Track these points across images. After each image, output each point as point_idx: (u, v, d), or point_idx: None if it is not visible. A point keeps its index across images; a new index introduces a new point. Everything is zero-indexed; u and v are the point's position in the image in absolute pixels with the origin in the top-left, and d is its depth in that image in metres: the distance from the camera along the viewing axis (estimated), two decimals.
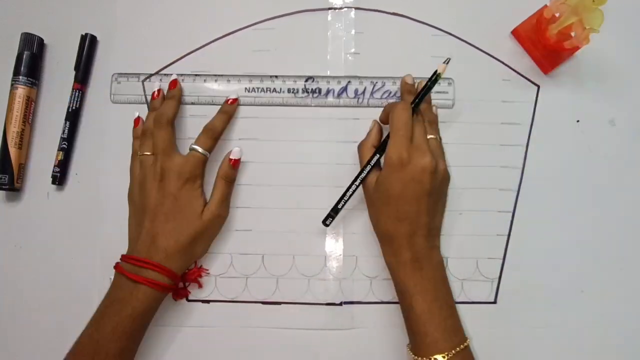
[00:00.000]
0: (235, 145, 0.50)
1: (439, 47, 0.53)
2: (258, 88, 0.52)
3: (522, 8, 0.52)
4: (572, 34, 0.48)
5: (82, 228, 0.51)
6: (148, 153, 0.48)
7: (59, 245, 0.51)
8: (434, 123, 0.50)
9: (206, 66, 0.53)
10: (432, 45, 0.53)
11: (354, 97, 0.52)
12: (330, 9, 0.53)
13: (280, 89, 0.52)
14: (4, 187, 0.50)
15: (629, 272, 0.51)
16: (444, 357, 0.41)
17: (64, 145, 0.51)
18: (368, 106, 0.52)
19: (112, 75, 0.53)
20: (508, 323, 0.50)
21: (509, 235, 0.51)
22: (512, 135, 0.52)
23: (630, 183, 0.52)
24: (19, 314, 0.50)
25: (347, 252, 0.51)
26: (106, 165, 0.52)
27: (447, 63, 0.47)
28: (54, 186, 0.52)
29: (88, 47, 0.53)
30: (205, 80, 0.52)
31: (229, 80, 0.52)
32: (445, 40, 0.53)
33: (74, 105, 0.52)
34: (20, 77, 0.51)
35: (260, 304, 0.50)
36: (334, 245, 0.51)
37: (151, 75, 0.53)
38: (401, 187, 0.44)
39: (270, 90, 0.52)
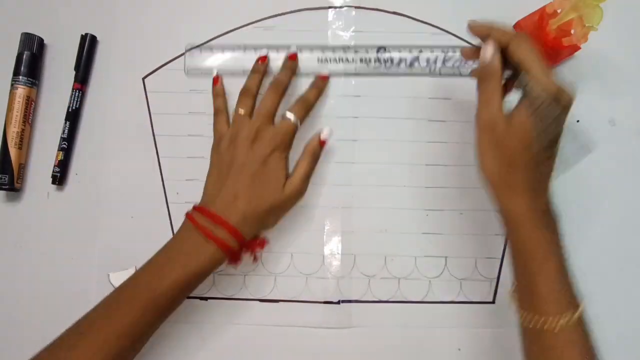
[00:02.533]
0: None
1: (439, 46, 0.52)
2: (331, 58, 0.52)
3: (524, 4, 0.52)
4: (572, 31, 0.48)
5: (82, 228, 0.51)
6: (243, 112, 0.47)
7: (59, 245, 0.51)
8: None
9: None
10: (432, 44, 0.52)
11: (426, 66, 0.52)
12: (330, 7, 0.53)
13: (353, 59, 0.52)
14: (4, 187, 0.50)
15: (630, 273, 0.51)
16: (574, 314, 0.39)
17: (64, 145, 0.51)
18: (440, 75, 0.52)
19: (185, 47, 0.53)
20: (507, 323, 0.50)
21: None
22: None
23: (630, 183, 0.52)
24: (19, 314, 0.50)
25: (345, 251, 0.51)
26: (106, 165, 0.52)
27: None
28: (54, 186, 0.52)
29: (88, 47, 0.53)
30: (277, 50, 0.51)
31: (300, 51, 0.51)
32: (445, 39, 0.53)
33: (74, 105, 0.52)
34: (20, 77, 0.51)
35: (258, 302, 0.50)
36: (332, 244, 0.51)
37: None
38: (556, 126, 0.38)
39: (342, 60, 0.52)
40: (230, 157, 0.45)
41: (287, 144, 0.46)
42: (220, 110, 0.49)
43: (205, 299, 0.50)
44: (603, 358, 0.49)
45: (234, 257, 0.45)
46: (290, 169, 0.47)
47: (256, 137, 0.45)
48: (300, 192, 0.47)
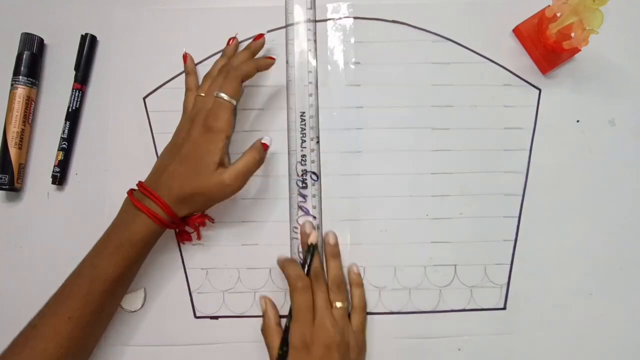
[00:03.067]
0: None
1: (440, 54, 0.53)
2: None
3: (524, 9, 0.52)
4: (572, 34, 0.48)
5: (82, 228, 0.51)
6: (203, 95, 0.47)
7: (59, 245, 0.51)
8: (341, 284, 0.48)
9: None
10: (433, 52, 0.53)
11: None
12: (329, 19, 0.53)
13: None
14: (4, 187, 0.50)
15: (630, 273, 0.51)
16: None
17: (64, 145, 0.51)
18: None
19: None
20: (518, 329, 0.50)
21: (515, 240, 0.51)
22: (515, 139, 0.52)
23: (630, 183, 0.52)
24: (19, 314, 0.50)
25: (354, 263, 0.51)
26: (106, 165, 0.52)
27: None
28: (54, 186, 0.52)
29: (88, 47, 0.53)
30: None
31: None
32: (446, 46, 0.53)
33: (74, 105, 0.52)
34: (20, 77, 0.51)
35: None
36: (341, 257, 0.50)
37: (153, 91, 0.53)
38: None
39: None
40: (176, 136, 0.47)
41: (223, 126, 0.44)
42: (189, 88, 0.51)
43: (216, 317, 0.50)
44: (603, 358, 0.50)
45: (178, 233, 0.50)
46: None
47: (192, 119, 0.46)
48: (230, 186, 0.45)
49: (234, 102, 0.45)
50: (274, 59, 0.49)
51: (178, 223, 0.46)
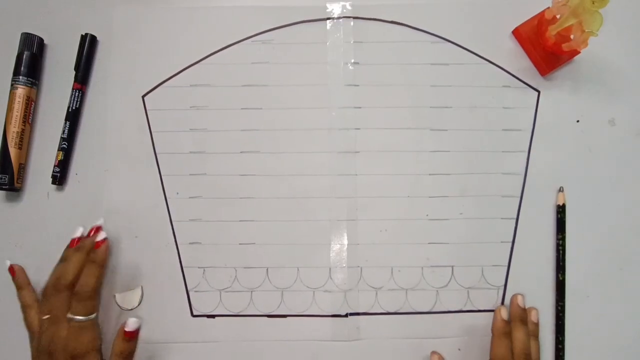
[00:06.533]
0: (235, 159, 0.50)
1: (439, 55, 0.53)
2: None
3: (523, 10, 0.52)
4: (571, 36, 0.48)
5: None
6: (48, 317, 0.42)
7: (59, 245, 0.51)
8: (534, 335, 0.48)
9: (205, 78, 0.53)
10: (432, 53, 0.53)
11: None
12: (328, 19, 0.53)
13: None
14: (4, 187, 0.50)
15: (630, 273, 0.51)
16: None
17: (64, 145, 0.51)
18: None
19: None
20: None
21: (513, 242, 0.51)
22: (514, 141, 0.52)
23: (630, 183, 0.52)
24: (19, 314, 0.50)
25: (351, 263, 0.51)
26: (106, 165, 0.52)
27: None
28: (54, 186, 0.52)
29: (88, 47, 0.53)
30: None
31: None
32: (445, 47, 0.53)
33: (74, 105, 0.52)
34: (20, 77, 0.51)
35: (266, 317, 0.50)
36: (338, 257, 0.51)
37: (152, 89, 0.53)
38: None
39: None
40: None
41: (85, 348, 0.41)
42: (26, 304, 0.45)
43: (213, 316, 0.50)
44: (604, 358, 0.50)
45: None
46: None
47: (50, 351, 0.41)
48: None
49: (93, 316, 0.42)
50: (104, 241, 0.44)
51: None
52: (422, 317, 0.50)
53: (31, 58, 0.52)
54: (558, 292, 0.50)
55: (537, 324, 0.48)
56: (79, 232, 0.47)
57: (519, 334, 0.45)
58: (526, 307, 0.48)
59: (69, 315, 0.41)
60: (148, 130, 0.52)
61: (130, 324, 0.42)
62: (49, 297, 0.43)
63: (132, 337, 0.42)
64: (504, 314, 0.47)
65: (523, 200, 0.51)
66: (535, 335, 0.47)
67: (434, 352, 0.48)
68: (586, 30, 0.46)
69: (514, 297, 0.49)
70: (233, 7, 0.54)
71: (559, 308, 0.50)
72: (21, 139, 0.51)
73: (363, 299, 0.50)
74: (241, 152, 0.52)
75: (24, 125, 0.51)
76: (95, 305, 0.42)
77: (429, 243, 0.51)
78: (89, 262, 0.44)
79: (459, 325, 0.50)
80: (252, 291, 0.50)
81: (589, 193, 0.52)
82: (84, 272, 0.43)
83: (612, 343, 0.50)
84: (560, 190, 0.51)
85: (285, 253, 0.51)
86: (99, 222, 0.47)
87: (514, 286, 0.50)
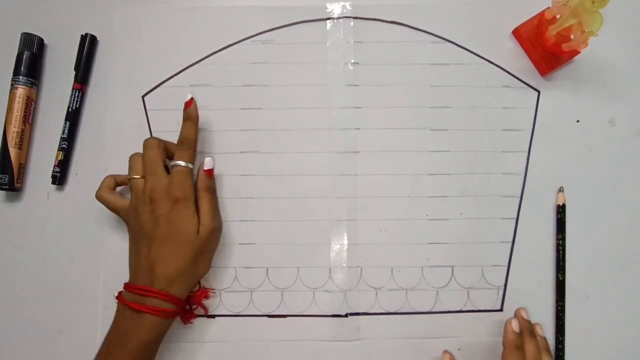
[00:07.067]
0: (235, 159, 0.51)
1: (439, 55, 0.53)
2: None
3: (523, 10, 0.52)
4: (571, 36, 0.48)
5: (82, 228, 0.51)
6: (137, 176, 0.46)
7: (59, 245, 0.51)
8: (545, 349, 0.47)
9: (205, 78, 0.53)
10: (432, 53, 0.53)
11: None
12: (328, 19, 0.53)
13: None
14: (4, 187, 0.50)
15: (630, 273, 0.51)
16: None
17: (64, 145, 0.51)
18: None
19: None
20: None
21: (513, 242, 0.51)
22: (514, 141, 0.52)
23: (630, 183, 0.52)
24: (19, 314, 0.50)
25: (351, 263, 0.51)
26: (106, 165, 0.52)
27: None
28: (54, 186, 0.52)
29: (88, 47, 0.53)
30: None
31: None
32: (445, 47, 0.53)
33: (74, 105, 0.52)
34: (20, 77, 0.51)
35: (266, 318, 0.50)
36: (338, 257, 0.51)
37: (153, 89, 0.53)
38: None
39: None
40: (138, 227, 0.45)
41: (186, 193, 0.45)
42: (111, 184, 0.49)
43: (213, 316, 0.50)
44: (604, 358, 0.50)
45: (180, 316, 0.48)
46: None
47: (152, 199, 0.44)
48: (215, 228, 0.46)
49: (191, 166, 0.47)
50: (191, 101, 0.48)
51: (184, 306, 0.46)
52: (422, 317, 0.50)
53: (31, 58, 0.52)
54: (558, 292, 0.50)
55: (545, 338, 0.48)
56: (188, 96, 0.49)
57: (530, 347, 0.45)
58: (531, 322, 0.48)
59: (174, 162, 0.46)
60: (148, 130, 0.52)
61: (208, 163, 0.48)
62: (144, 156, 0.47)
63: (210, 174, 0.48)
64: (515, 326, 0.46)
65: (523, 200, 0.51)
66: (547, 349, 0.47)
67: (445, 352, 0.48)
68: (586, 30, 0.46)
69: (517, 311, 0.49)
70: (233, 7, 0.54)
71: (559, 308, 0.50)
72: (21, 139, 0.51)
73: (363, 299, 0.50)
74: (241, 152, 0.52)
75: (24, 125, 0.51)
76: (194, 155, 0.47)
77: (429, 243, 0.51)
78: (185, 119, 0.48)
79: (459, 325, 0.50)
80: (252, 291, 0.50)
81: (589, 193, 0.52)
82: (183, 128, 0.48)
83: (612, 343, 0.50)
84: (560, 190, 0.51)
85: (285, 253, 0.51)
86: (189, 97, 0.48)
87: (514, 286, 0.51)
